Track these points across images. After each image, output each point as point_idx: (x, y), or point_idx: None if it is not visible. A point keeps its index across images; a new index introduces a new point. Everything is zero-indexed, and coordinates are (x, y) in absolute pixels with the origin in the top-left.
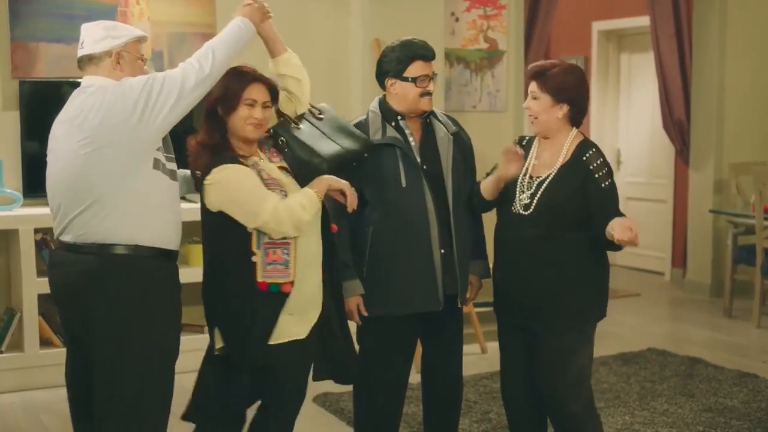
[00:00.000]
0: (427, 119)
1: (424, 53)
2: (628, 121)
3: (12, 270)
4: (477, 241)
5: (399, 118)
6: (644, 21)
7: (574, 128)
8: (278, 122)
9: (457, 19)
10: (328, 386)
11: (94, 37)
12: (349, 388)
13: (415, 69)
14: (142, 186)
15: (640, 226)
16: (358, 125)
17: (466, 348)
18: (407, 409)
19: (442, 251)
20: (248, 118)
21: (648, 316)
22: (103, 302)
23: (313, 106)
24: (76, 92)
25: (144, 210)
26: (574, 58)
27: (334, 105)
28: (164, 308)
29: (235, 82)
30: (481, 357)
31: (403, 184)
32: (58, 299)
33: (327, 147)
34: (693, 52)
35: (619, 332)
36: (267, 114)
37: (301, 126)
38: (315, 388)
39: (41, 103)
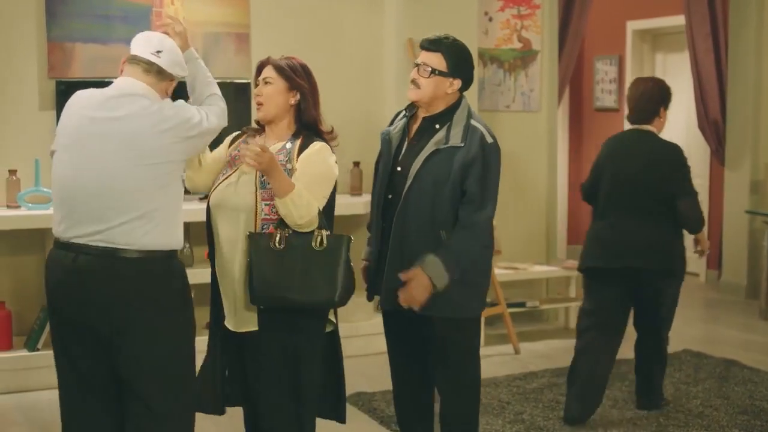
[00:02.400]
0: (435, 123)
1: (422, 43)
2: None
3: None
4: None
5: (406, 112)
6: (679, 20)
7: None
8: (260, 233)
9: (490, 19)
10: (362, 386)
11: (171, 58)
12: (384, 386)
13: (419, 57)
14: (179, 196)
15: None
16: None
17: (500, 348)
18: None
19: (379, 250)
20: (255, 98)
21: (683, 317)
22: (150, 305)
23: (321, 234)
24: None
25: (179, 218)
26: (609, 57)
27: (368, 104)
28: (190, 302)
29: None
30: (514, 358)
31: (380, 177)
32: (71, 303)
33: (280, 286)
34: (729, 51)
35: None
36: (268, 90)
37: (278, 247)
38: (348, 387)
39: None
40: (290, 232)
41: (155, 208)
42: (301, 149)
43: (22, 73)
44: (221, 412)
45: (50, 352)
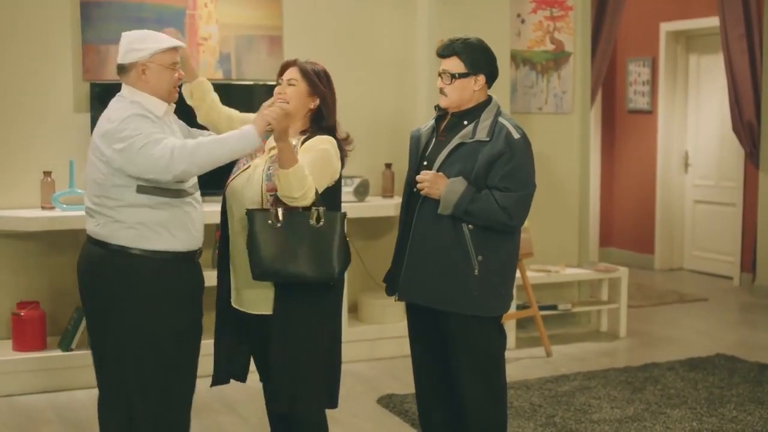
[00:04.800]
0: (463, 120)
1: (437, 51)
2: (696, 123)
3: None
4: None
5: (438, 115)
6: (713, 22)
7: None
8: (261, 209)
9: (523, 21)
10: (393, 387)
11: (122, 48)
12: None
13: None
14: (134, 200)
15: (708, 230)
16: None
17: (531, 351)
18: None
19: (401, 243)
20: (277, 97)
21: (716, 321)
22: (98, 294)
23: (318, 210)
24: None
25: (129, 217)
26: (642, 59)
27: (400, 106)
28: (149, 304)
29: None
30: (545, 360)
31: (408, 172)
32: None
33: (279, 259)
34: (764, 52)
35: (686, 337)
36: (290, 90)
37: (279, 225)
38: (379, 389)
39: None
40: (287, 209)
41: (104, 203)
42: (305, 141)
43: (58, 76)
44: (226, 381)
45: (84, 352)
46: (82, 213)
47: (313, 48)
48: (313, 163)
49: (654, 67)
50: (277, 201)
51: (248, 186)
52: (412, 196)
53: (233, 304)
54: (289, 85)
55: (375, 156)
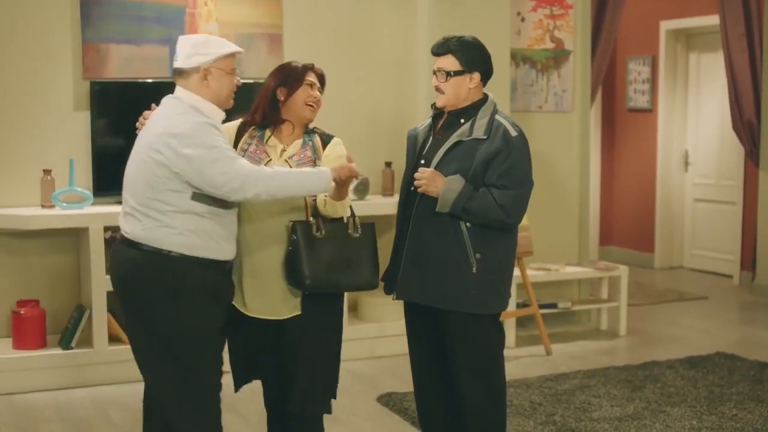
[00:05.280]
0: (460, 118)
1: (432, 49)
2: (696, 122)
3: (82, 267)
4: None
5: (433, 110)
6: (713, 20)
7: None
8: (302, 221)
9: (523, 19)
10: (393, 386)
11: (184, 52)
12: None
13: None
14: (187, 206)
15: (708, 228)
16: None
17: (531, 350)
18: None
19: (398, 242)
20: (308, 98)
21: (716, 319)
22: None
23: (354, 220)
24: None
25: (179, 223)
26: (642, 57)
27: (399, 105)
28: (189, 305)
29: (293, 68)
30: (545, 359)
31: (405, 171)
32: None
33: (324, 271)
34: (764, 51)
35: (686, 335)
36: (317, 95)
37: (319, 235)
38: (379, 387)
39: (112, 104)
40: (325, 219)
41: (155, 206)
42: (323, 144)
43: (57, 74)
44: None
45: (84, 351)
46: (82, 211)
47: (313, 47)
48: None
49: (654, 65)
50: (316, 212)
51: None
52: (409, 195)
53: (247, 311)
54: (316, 89)
55: (375, 155)
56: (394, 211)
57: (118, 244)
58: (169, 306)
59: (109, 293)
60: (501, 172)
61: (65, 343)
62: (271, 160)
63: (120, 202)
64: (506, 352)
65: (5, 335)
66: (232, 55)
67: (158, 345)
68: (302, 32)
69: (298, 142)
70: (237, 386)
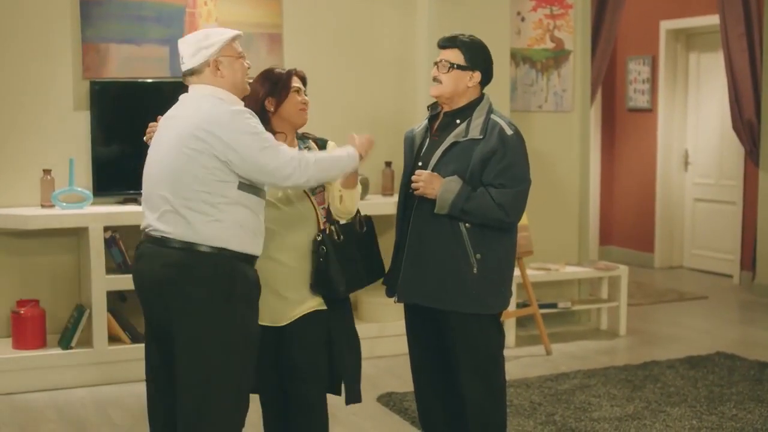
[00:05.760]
0: (456, 119)
1: (439, 42)
2: (696, 122)
3: (82, 267)
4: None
5: (429, 111)
6: (713, 20)
7: None
8: (326, 231)
9: (523, 19)
10: (393, 386)
11: (188, 52)
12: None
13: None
14: (232, 198)
15: (708, 228)
16: None
17: (531, 350)
18: None
19: (399, 244)
20: (298, 104)
21: (716, 319)
22: (186, 298)
23: (360, 218)
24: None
25: (226, 218)
26: (642, 57)
27: (399, 105)
28: (238, 307)
29: (278, 76)
30: (545, 359)
31: (403, 173)
32: (138, 292)
33: (352, 276)
34: (764, 51)
35: (686, 335)
36: (307, 99)
37: (341, 239)
38: (379, 387)
39: (111, 104)
40: (337, 223)
41: (205, 199)
42: (320, 148)
43: (57, 74)
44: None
45: (84, 351)
46: (82, 211)
47: (313, 47)
48: None
49: (654, 65)
50: (330, 218)
51: (287, 193)
52: (408, 197)
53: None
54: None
55: (375, 154)
56: (394, 211)
57: (150, 246)
58: (226, 306)
59: (109, 293)
60: (498, 171)
61: (65, 343)
62: None
63: (120, 202)
64: (506, 352)
65: (5, 335)
66: (234, 39)
67: (206, 352)
68: (302, 32)
69: (296, 148)
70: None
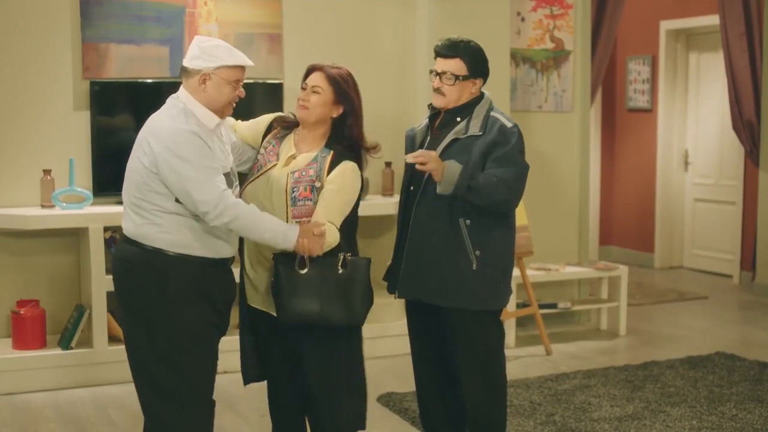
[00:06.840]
0: (456, 116)
1: (438, 50)
2: (696, 122)
3: (81, 267)
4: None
5: (430, 110)
6: (713, 20)
7: None
8: (287, 254)
9: (522, 19)
10: (393, 386)
11: (192, 52)
12: (414, 386)
13: (436, 65)
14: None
15: (708, 228)
16: None
17: (531, 350)
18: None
19: (399, 241)
20: (298, 100)
21: (716, 319)
22: (131, 293)
23: (344, 257)
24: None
25: (169, 222)
26: (642, 57)
27: (400, 105)
28: (185, 305)
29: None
30: (545, 359)
31: (404, 172)
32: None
33: (304, 305)
34: (764, 51)
35: (686, 335)
36: (314, 99)
37: (304, 271)
38: (379, 387)
39: (111, 104)
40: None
41: (143, 206)
42: (332, 166)
43: (57, 74)
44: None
45: (84, 351)
46: (82, 211)
47: (313, 47)
48: (337, 201)
49: (654, 65)
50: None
51: (270, 199)
52: (409, 196)
53: (249, 302)
54: (314, 92)
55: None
56: (394, 211)
57: (119, 241)
58: (159, 304)
59: (109, 293)
60: (499, 156)
61: (65, 343)
62: (275, 165)
63: (120, 202)
64: (506, 353)
65: (5, 335)
66: (239, 67)
67: (149, 344)
68: (302, 32)
69: (311, 156)
70: (246, 381)
